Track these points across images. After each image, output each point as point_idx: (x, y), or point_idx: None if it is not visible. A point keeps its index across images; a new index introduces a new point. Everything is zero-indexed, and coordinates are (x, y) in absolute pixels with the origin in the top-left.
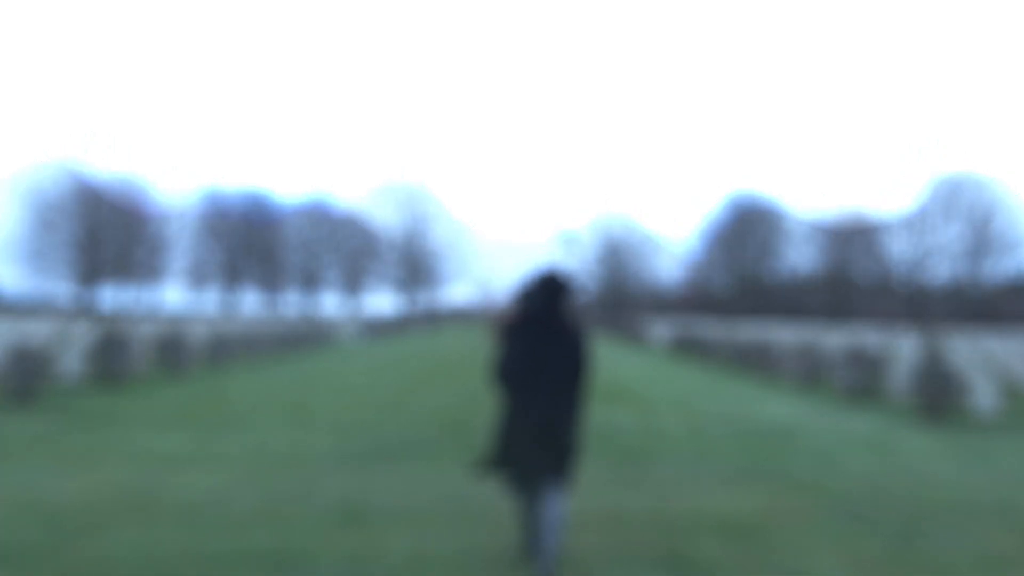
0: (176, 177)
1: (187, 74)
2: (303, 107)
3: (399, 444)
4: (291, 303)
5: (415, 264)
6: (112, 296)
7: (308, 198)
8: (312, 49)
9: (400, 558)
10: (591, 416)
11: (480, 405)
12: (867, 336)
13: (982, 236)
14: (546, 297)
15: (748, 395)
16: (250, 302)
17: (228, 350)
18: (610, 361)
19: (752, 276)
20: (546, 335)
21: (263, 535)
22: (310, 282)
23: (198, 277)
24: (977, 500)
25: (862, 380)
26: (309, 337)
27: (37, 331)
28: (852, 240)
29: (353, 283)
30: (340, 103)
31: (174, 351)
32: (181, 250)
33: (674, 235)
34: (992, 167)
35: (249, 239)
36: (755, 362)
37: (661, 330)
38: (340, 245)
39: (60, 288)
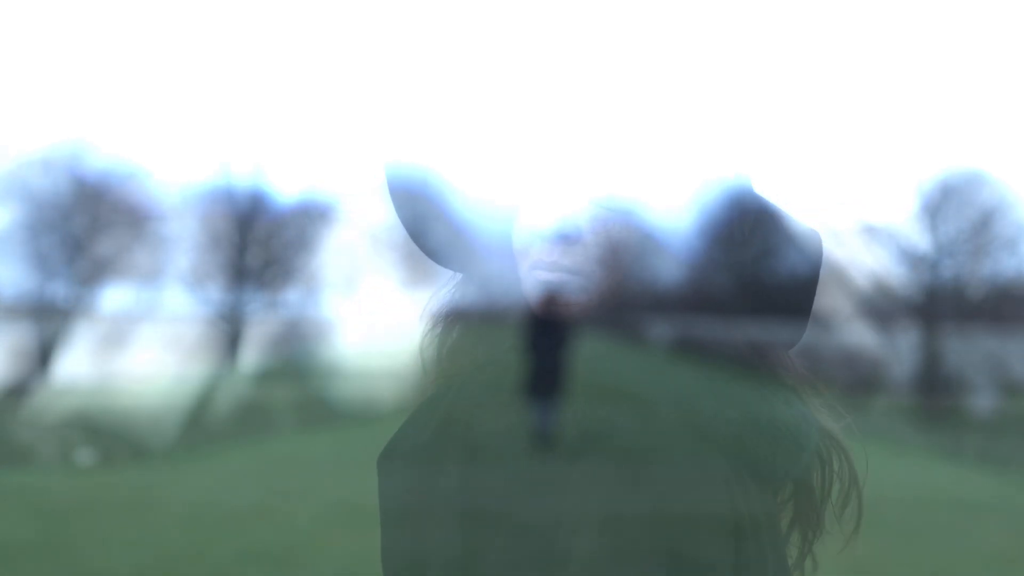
0: (177, 175)
1: (187, 73)
2: (303, 106)
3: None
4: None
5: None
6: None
7: (308, 197)
8: (312, 48)
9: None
10: None
11: None
12: (867, 336)
13: (982, 236)
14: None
15: None
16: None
17: None
18: None
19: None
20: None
21: (263, 535)
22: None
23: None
24: (977, 500)
25: (862, 380)
26: None
27: (37, 331)
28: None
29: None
30: (340, 102)
31: None
32: (181, 250)
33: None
34: (992, 167)
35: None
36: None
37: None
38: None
39: (60, 288)
